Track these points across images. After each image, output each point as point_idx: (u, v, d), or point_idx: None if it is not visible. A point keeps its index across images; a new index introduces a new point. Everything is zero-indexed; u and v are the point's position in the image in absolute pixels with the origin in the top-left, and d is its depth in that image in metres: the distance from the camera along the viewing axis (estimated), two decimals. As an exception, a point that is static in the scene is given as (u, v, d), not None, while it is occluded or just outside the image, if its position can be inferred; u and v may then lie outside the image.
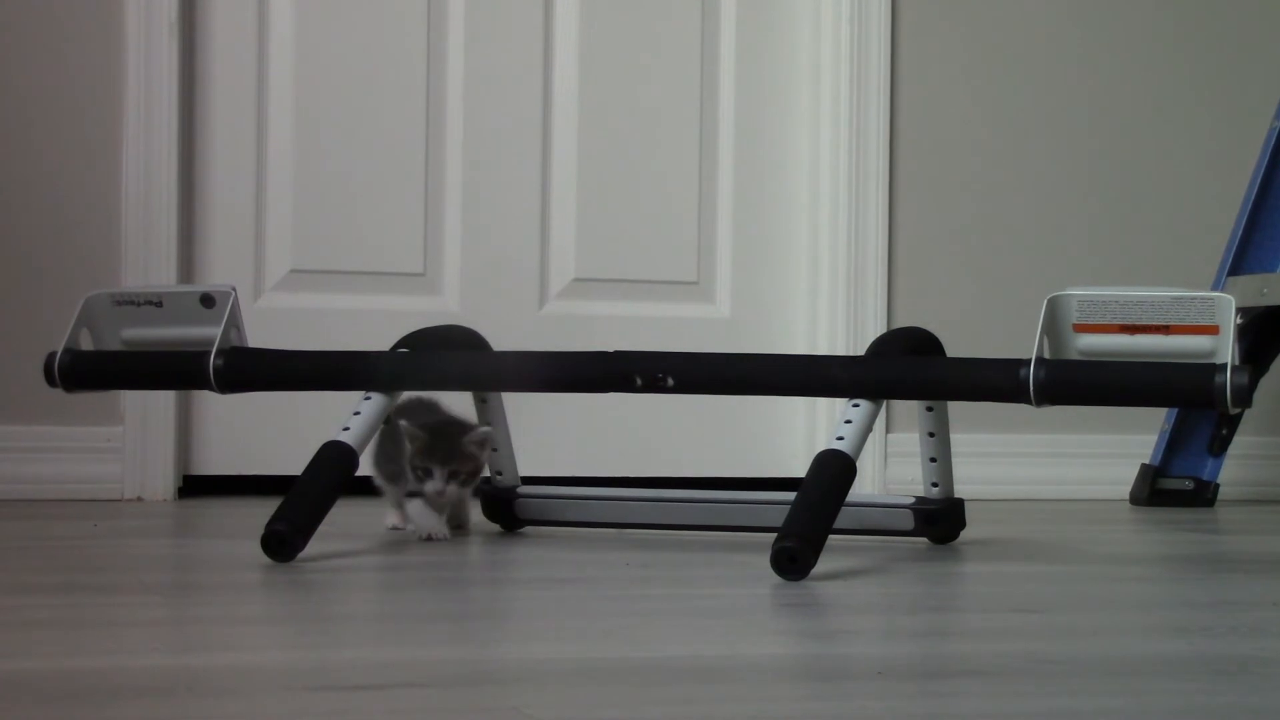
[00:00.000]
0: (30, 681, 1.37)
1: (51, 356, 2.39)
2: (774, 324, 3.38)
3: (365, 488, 2.49)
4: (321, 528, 2.19)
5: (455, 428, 2.40)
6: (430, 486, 2.35)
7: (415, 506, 2.39)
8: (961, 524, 2.48)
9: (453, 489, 2.36)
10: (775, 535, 2.04)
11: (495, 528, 2.59)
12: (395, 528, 2.49)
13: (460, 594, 2.02)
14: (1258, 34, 3.55)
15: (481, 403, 2.52)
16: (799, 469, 3.25)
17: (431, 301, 3.23)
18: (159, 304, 2.37)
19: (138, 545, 2.44)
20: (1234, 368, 2.06)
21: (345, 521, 2.39)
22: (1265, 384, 3.29)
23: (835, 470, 2.14)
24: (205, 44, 3.14)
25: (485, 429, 2.42)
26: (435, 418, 2.43)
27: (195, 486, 3.11)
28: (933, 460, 2.44)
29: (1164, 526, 2.94)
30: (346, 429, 2.29)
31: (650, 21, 3.33)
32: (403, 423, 2.37)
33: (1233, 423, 3.31)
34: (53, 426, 3.00)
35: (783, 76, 3.39)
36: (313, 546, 2.17)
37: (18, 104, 3.01)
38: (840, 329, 3.32)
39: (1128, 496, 3.36)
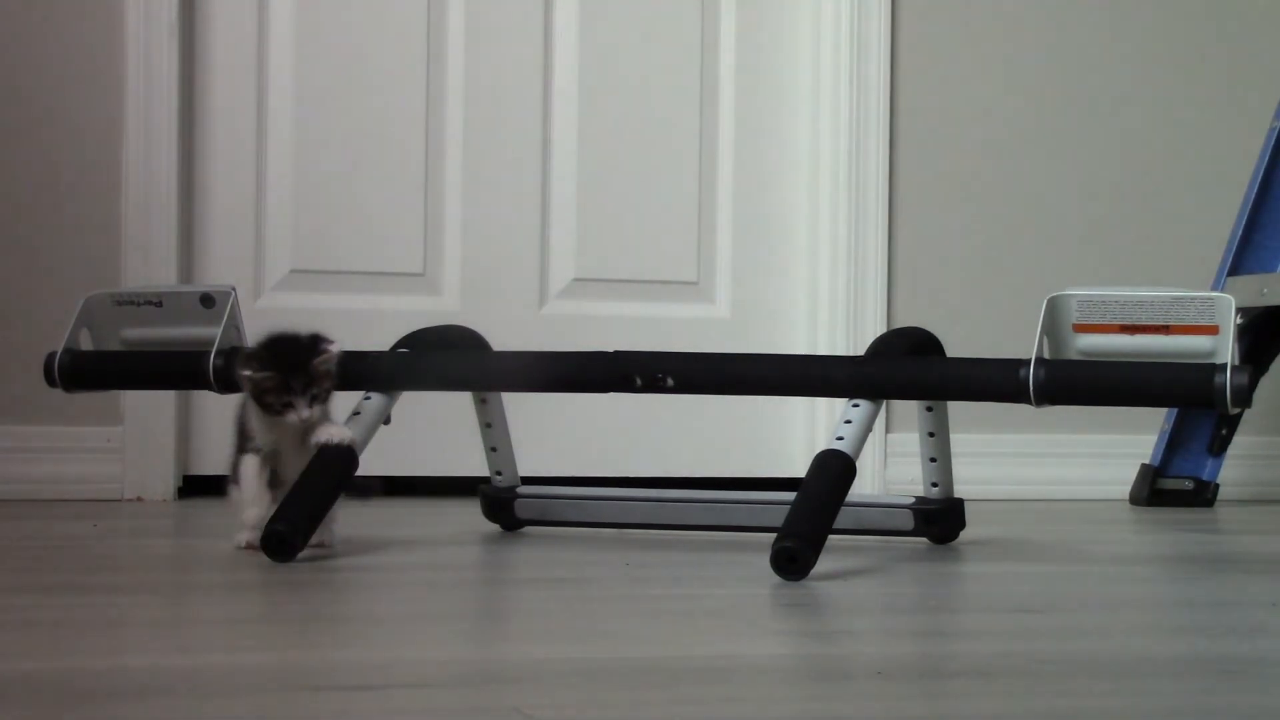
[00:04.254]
0: (30, 681, 1.37)
1: (51, 356, 2.39)
2: (774, 324, 3.38)
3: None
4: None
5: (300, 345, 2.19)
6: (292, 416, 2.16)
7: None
8: (961, 524, 2.48)
9: (317, 411, 2.18)
10: (775, 535, 2.04)
11: (495, 528, 2.59)
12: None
13: (460, 594, 2.02)
14: (1258, 34, 3.55)
15: (481, 403, 2.52)
16: (799, 469, 3.25)
17: (431, 301, 3.22)
18: (159, 304, 2.37)
19: (138, 545, 2.44)
20: (1234, 368, 2.06)
21: (344, 521, 2.38)
22: (1265, 384, 3.29)
23: (835, 470, 2.14)
24: (205, 44, 3.14)
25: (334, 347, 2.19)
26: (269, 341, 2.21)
27: (195, 486, 3.11)
28: (932, 460, 2.44)
29: (1164, 526, 2.94)
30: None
31: (650, 21, 3.33)
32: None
33: (1233, 423, 3.31)
34: (53, 426, 3.00)
35: (783, 76, 3.38)
36: (313, 546, 2.17)
37: (18, 104, 3.01)
38: (840, 329, 3.32)
39: (1128, 496, 3.36)
